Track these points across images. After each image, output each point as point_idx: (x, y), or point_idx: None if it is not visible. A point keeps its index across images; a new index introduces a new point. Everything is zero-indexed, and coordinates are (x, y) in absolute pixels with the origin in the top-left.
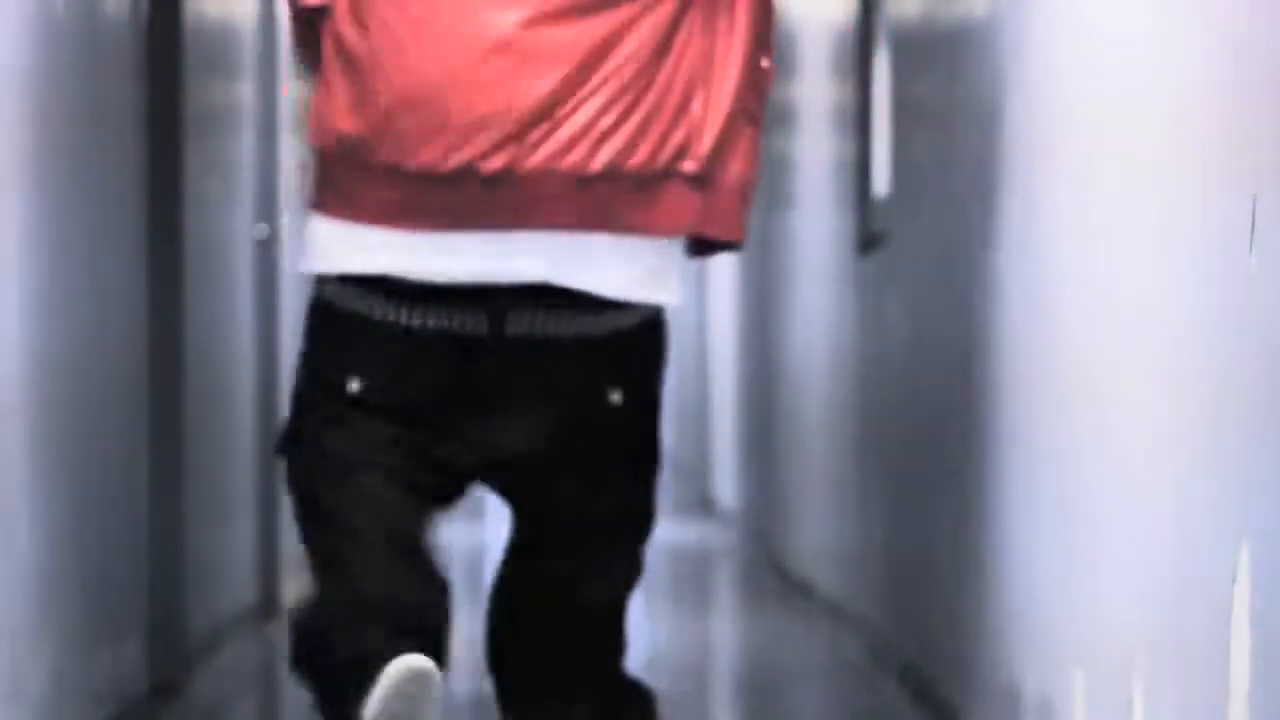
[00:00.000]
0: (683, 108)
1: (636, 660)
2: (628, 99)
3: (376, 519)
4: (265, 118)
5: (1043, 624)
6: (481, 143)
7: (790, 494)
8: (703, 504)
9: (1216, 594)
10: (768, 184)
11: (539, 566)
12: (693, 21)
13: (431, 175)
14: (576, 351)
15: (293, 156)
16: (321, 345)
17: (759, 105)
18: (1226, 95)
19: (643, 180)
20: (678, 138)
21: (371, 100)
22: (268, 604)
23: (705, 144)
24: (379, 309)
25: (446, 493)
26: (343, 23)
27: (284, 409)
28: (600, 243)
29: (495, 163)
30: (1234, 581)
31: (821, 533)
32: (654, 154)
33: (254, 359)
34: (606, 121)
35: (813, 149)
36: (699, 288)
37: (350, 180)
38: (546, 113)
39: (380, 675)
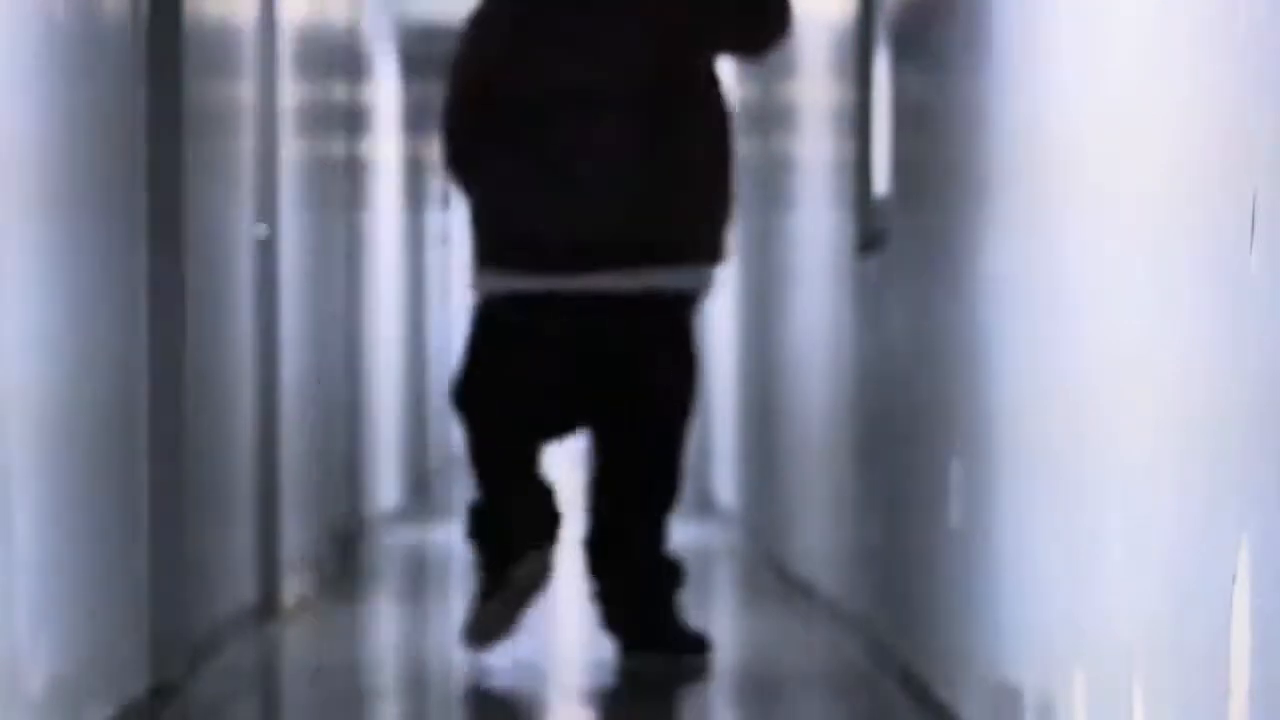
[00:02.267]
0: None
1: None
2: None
3: (521, 443)
4: (265, 118)
5: (1043, 624)
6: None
7: (790, 494)
8: (703, 504)
9: (1216, 594)
10: (768, 184)
11: (617, 455)
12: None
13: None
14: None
15: (293, 156)
16: (490, 329)
17: None
18: (1226, 95)
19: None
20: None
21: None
22: (268, 604)
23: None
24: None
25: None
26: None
27: (284, 408)
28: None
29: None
30: (1234, 581)
31: (821, 532)
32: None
33: (254, 359)
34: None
35: (813, 149)
36: None
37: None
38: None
39: (524, 557)
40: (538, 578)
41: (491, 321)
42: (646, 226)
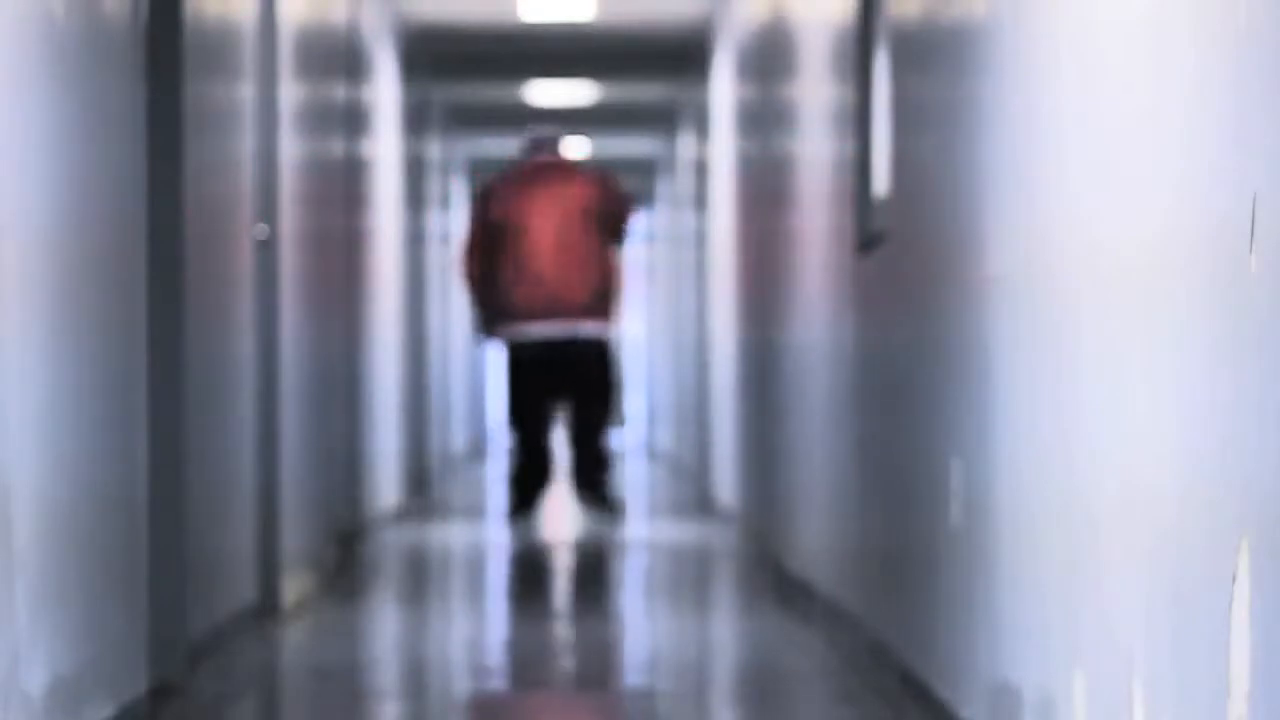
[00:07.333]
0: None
1: (637, 658)
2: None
3: (536, 429)
4: (265, 118)
5: (1042, 624)
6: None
7: (790, 493)
8: (703, 504)
9: (1216, 594)
10: (768, 184)
11: (577, 421)
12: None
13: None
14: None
15: (293, 156)
16: (511, 359)
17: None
18: (1227, 95)
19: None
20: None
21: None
22: (268, 604)
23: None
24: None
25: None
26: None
27: (283, 407)
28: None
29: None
30: (1234, 581)
31: (821, 532)
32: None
33: (254, 358)
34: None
35: (813, 149)
36: (699, 288)
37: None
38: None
39: (526, 509)
40: (530, 521)
41: (510, 353)
42: (571, 299)
